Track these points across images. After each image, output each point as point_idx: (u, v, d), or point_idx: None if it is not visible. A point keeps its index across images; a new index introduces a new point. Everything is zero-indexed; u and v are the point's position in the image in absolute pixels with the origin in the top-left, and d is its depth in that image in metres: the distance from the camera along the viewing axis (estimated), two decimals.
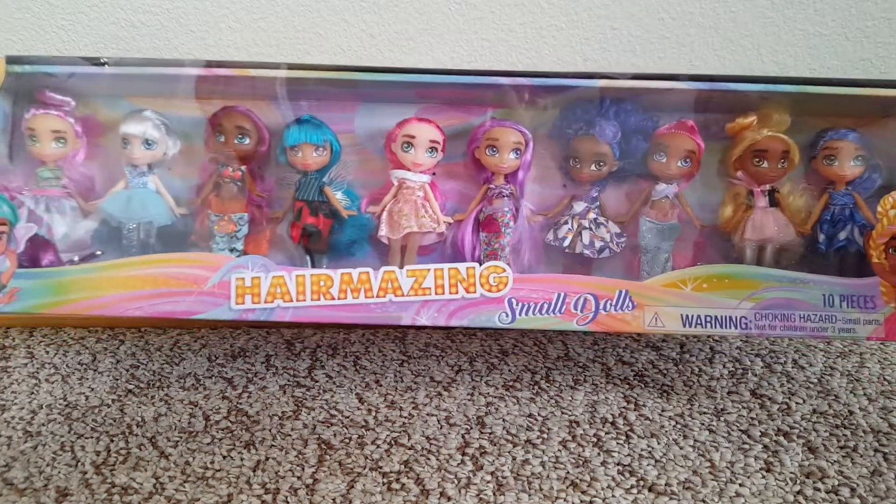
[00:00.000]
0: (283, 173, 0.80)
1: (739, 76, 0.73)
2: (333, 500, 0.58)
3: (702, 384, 0.78)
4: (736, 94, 0.73)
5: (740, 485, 0.60)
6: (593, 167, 0.77)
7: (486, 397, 0.75)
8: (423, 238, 0.78)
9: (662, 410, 0.72)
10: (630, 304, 0.71)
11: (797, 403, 0.74)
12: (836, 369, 0.82)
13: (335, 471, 0.62)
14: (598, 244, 0.77)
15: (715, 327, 0.70)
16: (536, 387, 0.77)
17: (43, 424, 0.69)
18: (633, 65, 0.89)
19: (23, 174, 0.77)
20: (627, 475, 0.62)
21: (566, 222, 0.78)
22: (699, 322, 0.70)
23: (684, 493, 0.59)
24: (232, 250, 0.77)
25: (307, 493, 0.59)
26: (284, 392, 0.75)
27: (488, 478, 0.61)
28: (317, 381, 0.78)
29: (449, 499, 0.58)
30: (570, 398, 0.75)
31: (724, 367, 0.82)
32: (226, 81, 0.75)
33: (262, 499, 0.58)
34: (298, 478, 0.61)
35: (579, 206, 0.78)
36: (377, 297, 0.71)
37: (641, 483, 0.61)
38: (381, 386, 0.77)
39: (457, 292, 0.72)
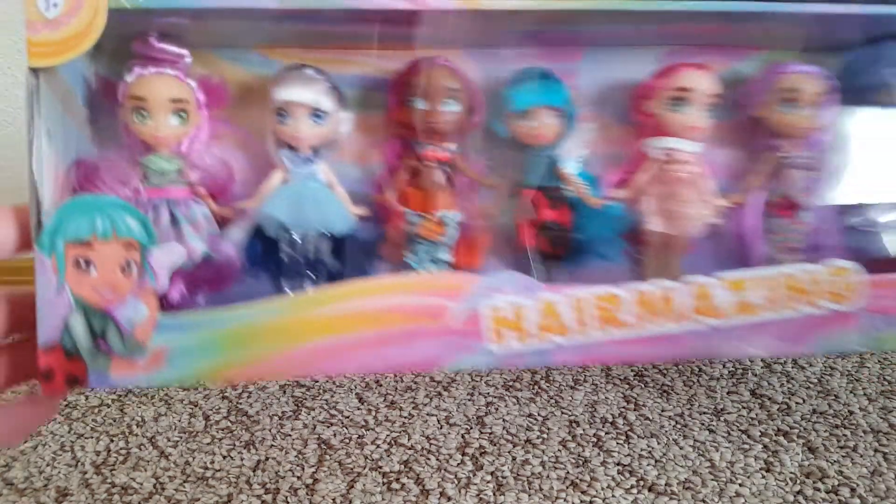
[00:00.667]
0: (494, 149, 0.59)
1: None
2: (333, 499, 0.58)
3: (702, 384, 0.78)
4: None
5: (740, 485, 0.60)
6: None
7: (486, 397, 0.75)
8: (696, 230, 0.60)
9: (662, 410, 0.72)
10: None
11: (797, 403, 0.74)
12: (836, 369, 0.82)
13: (335, 470, 0.62)
14: None
15: None
16: (536, 387, 0.77)
17: (43, 424, 0.69)
18: None
19: (122, 167, 0.54)
20: (627, 475, 0.62)
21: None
22: None
23: (684, 493, 0.59)
24: (436, 262, 0.57)
25: (307, 493, 0.59)
26: (284, 392, 0.75)
27: (488, 478, 0.61)
28: (317, 381, 0.78)
29: (449, 499, 0.58)
30: (570, 398, 0.74)
31: (724, 367, 0.82)
32: (410, 21, 0.51)
33: (262, 499, 0.58)
34: (298, 478, 0.61)
35: None
36: (687, 320, 0.53)
37: (641, 483, 0.61)
38: (381, 386, 0.77)
39: (796, 307, 0.54)
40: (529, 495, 0.59)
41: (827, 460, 0.64)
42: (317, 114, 0.55)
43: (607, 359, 0.54)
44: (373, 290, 0.51)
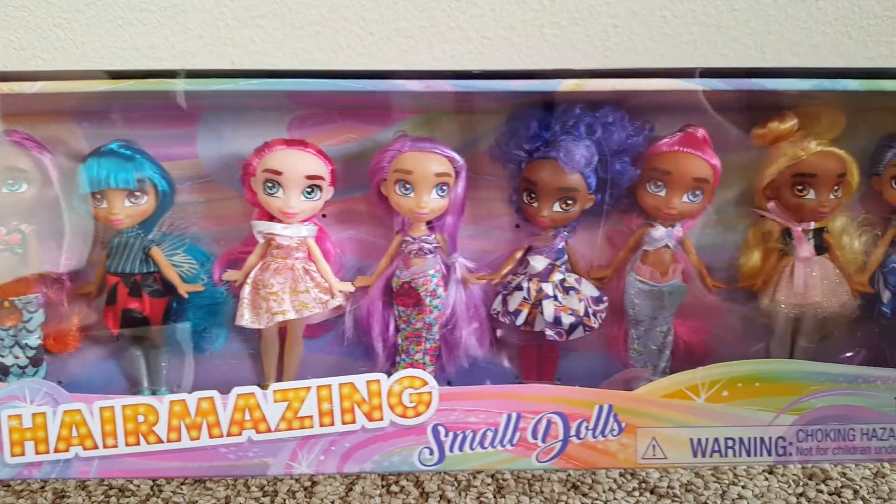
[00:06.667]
0: (88, 226, 0.54)
1: (773, 69, 0.50)
2: (332, 502, 0.57)
3: None
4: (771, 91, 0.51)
5: (743, 487, 0.60)
6: (557, 207, 0.53)
7: None
8: (310, 317, 0.56)
9: None
10: (616, 427, 0.52)
11: None
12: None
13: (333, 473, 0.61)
14: (567, 320, 0.55)
15: (739, 455, 0.53)
16: None
17: None
18: (636, 63, 0.88)
19: None
20: (629, 477, 0.61)
21: (520, 287, 0.56)
22: (716, 449, 0.53)
23: (686, 496, 0.59)
24: (23, 348, 0.55)
25: (305, 496, 0.58)
26: None
27: (488, 480, 0.60)
28: None
29: (449, 501, 0.58)
30: None
31: None
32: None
33: (261, 501, 0.57)
34: (297, 480, 0.60)
35: (539, 263, 0.55)
36: (229, 435, 0.49)
37: (644, 486, 0.60)
38: None
39: (353, 421, 0.50)
40: (530, 498, 0.58)
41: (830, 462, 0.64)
42: None
43: (136, 473, 0.50)
44: None
